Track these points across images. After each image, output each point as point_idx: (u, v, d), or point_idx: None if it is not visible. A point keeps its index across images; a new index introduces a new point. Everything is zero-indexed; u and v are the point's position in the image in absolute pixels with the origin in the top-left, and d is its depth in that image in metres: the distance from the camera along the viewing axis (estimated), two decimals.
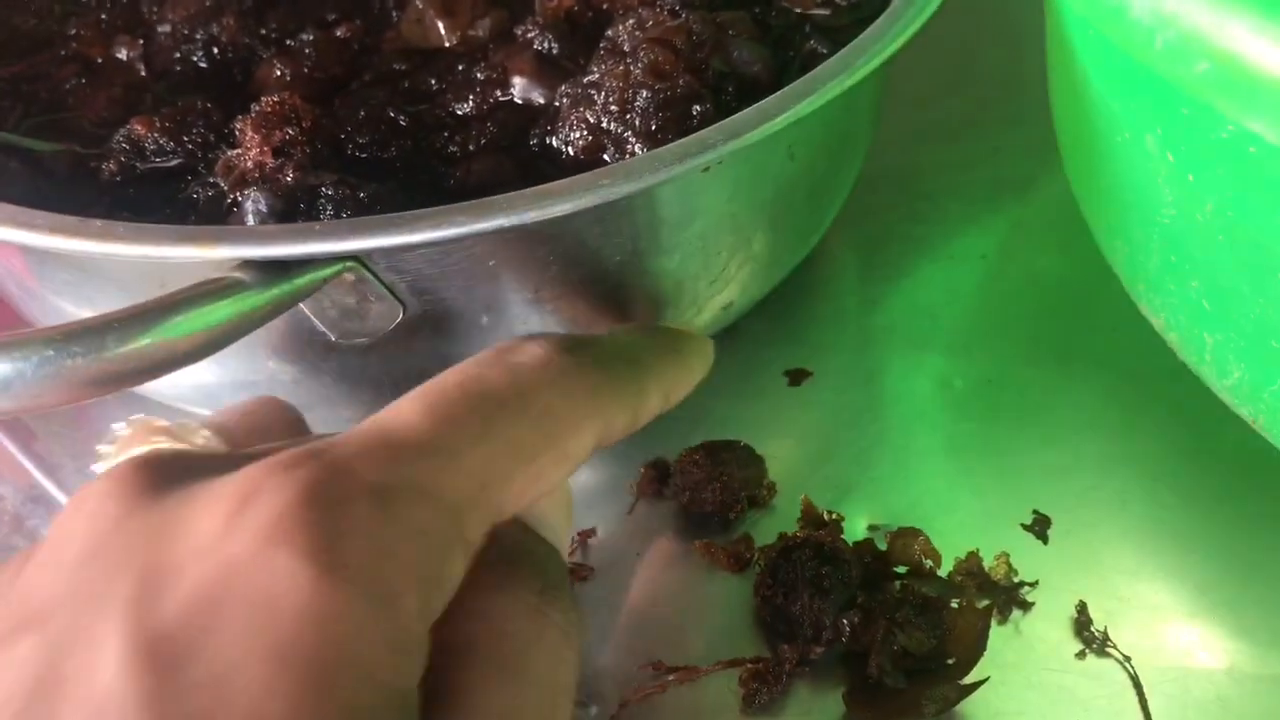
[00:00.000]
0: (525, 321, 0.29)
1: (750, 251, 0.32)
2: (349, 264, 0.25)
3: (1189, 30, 0.20)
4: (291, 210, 0.27)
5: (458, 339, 0.29)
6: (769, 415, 0.34)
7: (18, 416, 0.23)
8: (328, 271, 0.25)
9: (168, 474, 0.19)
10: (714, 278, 0.31)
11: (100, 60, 0.35)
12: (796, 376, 0.35)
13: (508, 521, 0.21)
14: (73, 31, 0.36)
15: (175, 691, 0.16)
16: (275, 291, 0.24)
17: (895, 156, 0.41)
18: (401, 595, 0.17)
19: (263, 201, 0.27)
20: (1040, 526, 0.31)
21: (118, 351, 0.22)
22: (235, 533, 0.17)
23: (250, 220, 0.27)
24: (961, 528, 0.31)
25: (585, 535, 0.31)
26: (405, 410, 0.20)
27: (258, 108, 0.29)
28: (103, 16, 0.37)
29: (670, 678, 0.28)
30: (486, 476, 0.19)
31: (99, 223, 0.25)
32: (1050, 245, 0.39)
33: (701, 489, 0.31)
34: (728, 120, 0.26)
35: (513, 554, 0.21)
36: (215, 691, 0.16)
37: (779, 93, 0.27)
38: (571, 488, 0.24)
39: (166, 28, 0.35)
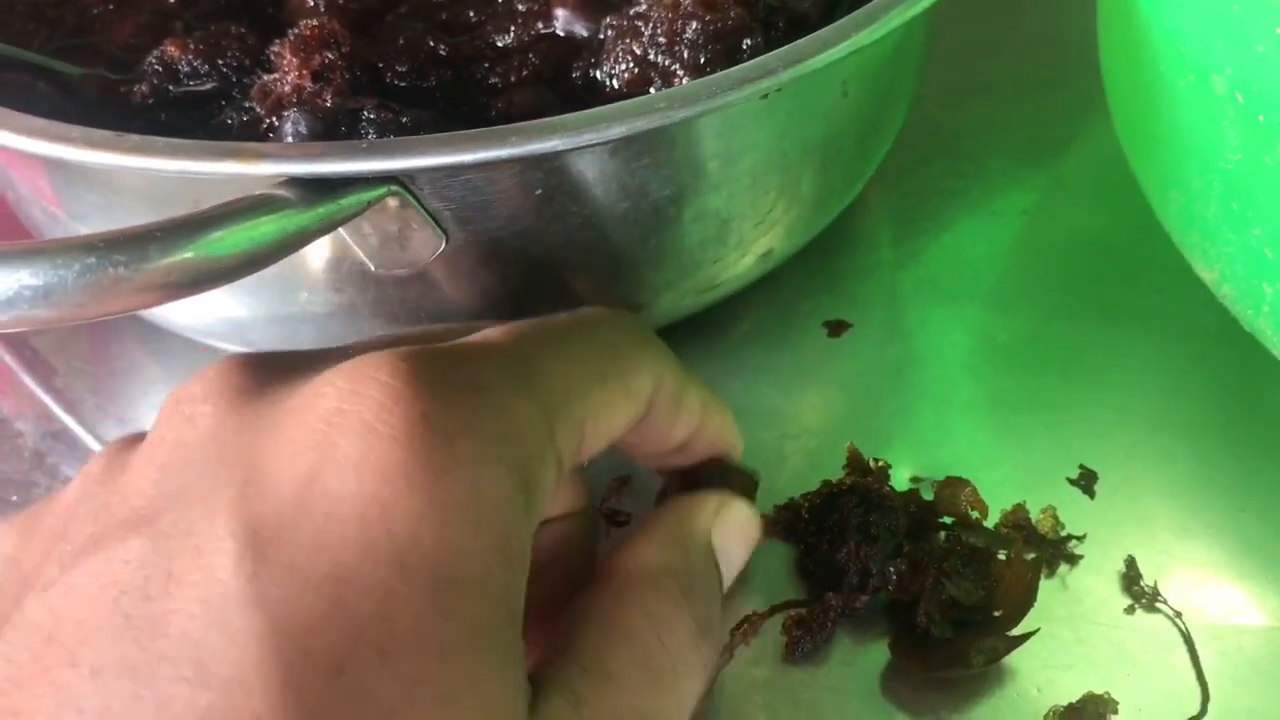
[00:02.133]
0: (569, 257, 0.28)
1: (797, 193, 0.31)
2: (393, 188, 0.24)
3: None
4: (331, 133, 0.27)
5: (499, 273, 0.28)
6: (808, 365, 0.34)
7: (55, 327, 0.22)
8: (372, 194, 0.24)
9: (265, 372, 0.19)
10: (760, 219, 0.30)
11: None
12: (836, 328, 0.35)
13: (702, 543, 0.23)
14: None
15: (290, 592, 0.15)
16: (319, 211, 0.23)
17: (936, 113, 0.40)
18: (509, 500, 0.17)
19: (302, 123, 0.26)
20: (1087, 481, 0.31)
21: (160, 263, 0.21)
22: (340, 427, 0.17)
23: (289, 141, 0.26)
24: (1006, 481, 0.30)
25: (621, 482, 0.31)
26: (486, 331, 0.21)
27: (296, 31, 0.28)
28: None
29: (736, 634, 0.27)
30: (568, 387, 0.20)
31: (134, 137, 0.24)
32: (1092, 203, 0.39)
33: None
34: (789, 47, 0.25)
35: (695, 574, 0.22)
36: (334, 594, 0.15)
37: (839, 22, 0.26)
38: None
39: None
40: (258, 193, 0.23)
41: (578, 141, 0.23)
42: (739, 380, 0.33)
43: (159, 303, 0.21)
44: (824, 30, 0.26)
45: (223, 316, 0.31)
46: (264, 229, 0.22)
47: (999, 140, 0.41)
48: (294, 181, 0.23)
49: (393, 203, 0.25)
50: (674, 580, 0.21)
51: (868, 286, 0.36)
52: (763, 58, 0.25)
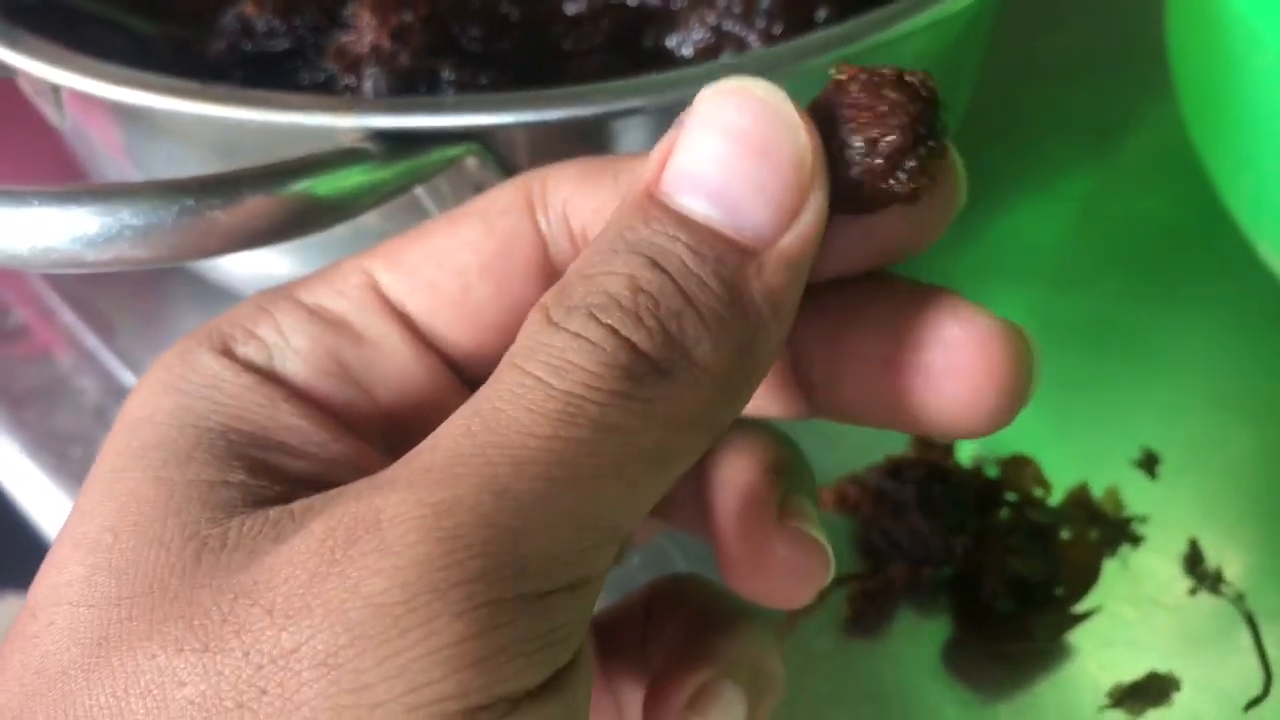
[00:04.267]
0: None
1: None
2: (474, 147, 0.24)
3: None
4: (411, 93, 0.27)
5: None
6: None
7: (152, 267, 0.22)
8: (453, 152, 0.24)
9: None
10: None
11: None
12: None
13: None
14: None
15: None
16: (403, 166, 0.23)
17: (996, 94, 0.40)
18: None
19: (383, 81, 0.26)
20: (1149, 463, 0.31)
21: (254, 204, 0.21)
22: None
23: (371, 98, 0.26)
24: (1069, 461, 0.30)
25: None
26: None
27: None
28: None
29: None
30: None
31: (222, 88, 0.24)
32: (1155, 186, 0.38)
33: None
34: (867, 17, 0.25)
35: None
36: None
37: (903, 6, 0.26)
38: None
39: None
40: (344, 146, 0.23)
41: (660, 101, 0.24)
42: None
43: (250, 247, 0.21)
44: (900, 3, 0.26)
45: (286, 276, 0.31)
46: (351, 179, 0.22)
47: (1060, 121, 0.41)
48: (379, 135, 0.23)
49: (471, 162, 0.25)
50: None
51: (929, 265, 0.36)
52: (842, 26, 0.25)
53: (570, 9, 0.31)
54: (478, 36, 0.30)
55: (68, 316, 0.35)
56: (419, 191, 0.25)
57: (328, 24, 0.30)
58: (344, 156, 0.22)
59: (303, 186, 0.21)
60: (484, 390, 0.14)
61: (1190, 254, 0.36)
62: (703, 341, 0.14)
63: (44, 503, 0.31)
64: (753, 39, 0.29)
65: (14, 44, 0.26)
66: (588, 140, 0.25)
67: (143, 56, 0.30)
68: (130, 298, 0.36)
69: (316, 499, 0.15)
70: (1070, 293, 0.35)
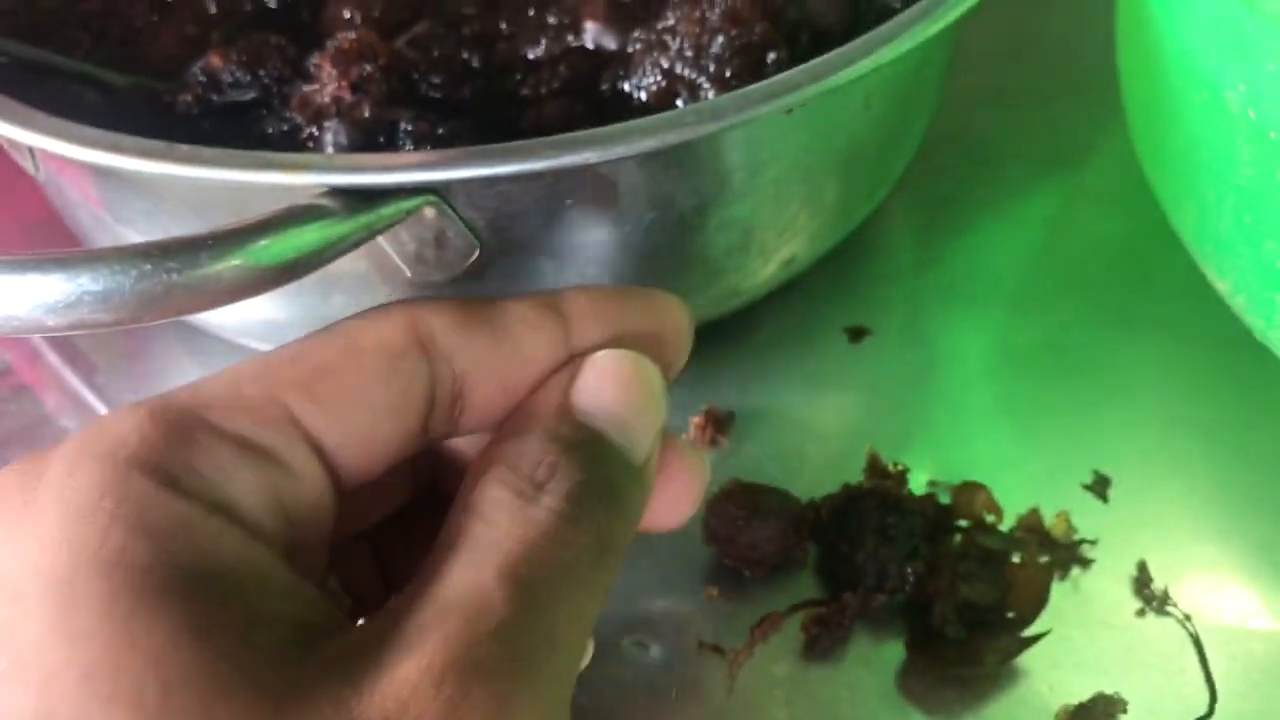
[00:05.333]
0: (596, 264, 0.29)
1: (820, 202, 0.32)
2: (431, 198, 0.25)
3: None
4: (370, 144, 0.28)
5: (528, 280, 0.29)
6: (829, 371, 0.34)
7: (113, 330, 0.23)
8: (411, 204, 0.25)
9: None
10: (783, 228, 0.31)
11: None
12: (856, 334, 0.35)
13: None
14: None
15: None
16: (360, 220, 0.24)
17: (956, 120, 0.41)
18: None
19: (342, 133, 0.27)
20: (1100, 486, 0.31)
21: (211, 269, 0.22)
22: None
23: (330, 151, 0.27)
24: (1022, 485, 0.31)
25: None
26: None
27: (334, 43, 0.29)
28: None
29: (754, 632, 0.28)
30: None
31: (185, 147, 0.25)
32: (1110, 210, 0.39)
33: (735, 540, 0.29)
34: (813, 63, 0.26)
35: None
36: None
37: (863, 38, 0.27)
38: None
39: None
40: (302, 202, 0.24)
41: (609, 155, 0.24)
42: (761, 384, 0.34)
43: (209, 308, 0.22)
44: (848, 46, 0.27)
45: (260, 319, 0.32)
46: (308, 237, 0.23)
47: (1019, 148, 0.42)
48: (336, 191, 0.24)
49: (429, 212, 0.26)
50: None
51: (888, 293, 0.37)
52: (788, 73, 0.26)
53: (530, 54, 0.32)
54: (438, 84, 0.31)
55: (50, 356, 0.36)
56: (381, 240, 0.26)
57: (292, 75, 0.31)
58: (302, 214, 0.23)
59: (260, 247, 0.22)
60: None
61: (1143, 278, 0.37)
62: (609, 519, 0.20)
63: None
64: (704, 82, 0.30)
65: None
66: (538, 190, 0.26)
67: (114, 109, 0.31)
68: (111, 336, 0.37)
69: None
70: (1027, 318, 0.36)
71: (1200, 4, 0.28)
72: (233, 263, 0.22)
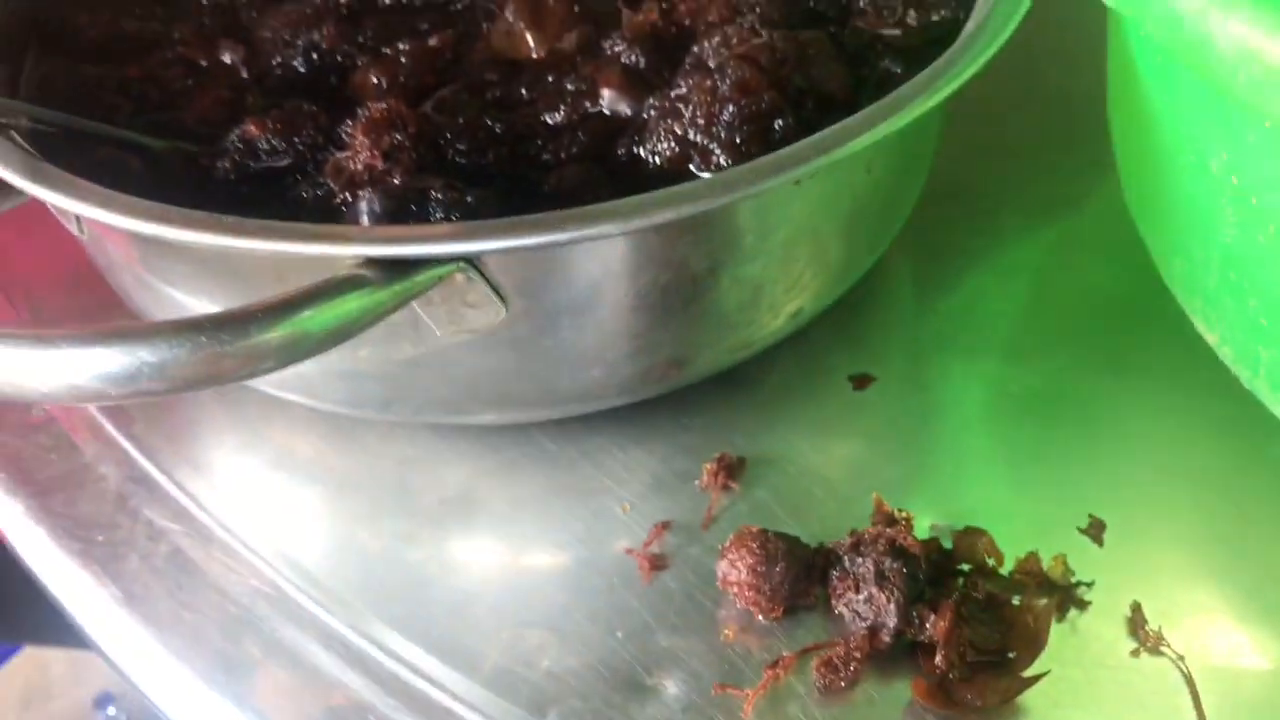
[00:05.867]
0: (613, 320, 0.31)
1: (825, 259, 0.33)
2: (463, 265, 0.27)
3: (1273, 66, 0.22)
4: (402, 211, 0.29)
5: (550, 336, 0.30)
6: (835, 417, 0.36)
7: (167, 397, 0.25)
8: (444, 271, 0.27)
9: None
10: (790, 284, 0.33)
11: (205, 63, 0.37)
12: (861, 381, 0.37)
13: None
14: (176, 35, 0.38)
15: None
16: (396, 288, 0.26)
17: (952, 172, 0.42)
18: None
19: (376, 202, 0.29)
20: (1095, 530, 0.33)
21: (260, 339, 0.23)
22: None
23: (365, 220, 0.29)
24: (1020, 529, 0.32)
25: (662, 527, 0.33)
26: None
27: (366, 114, 0.31)
28: (204, 21, 0.39)
29: (767, 673, 0.29)
30: None
31: (230, 219, 0.26)
32: (1103, 260, 0.41)
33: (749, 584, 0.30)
34: (820, 136, 0.28)
35: None
36: None
37: (866, 111, 0.29)
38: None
39: (268, 33, 0.37)
40: (343, 273, 0.25)
41: (629, 226, 0.26)
42: (770, 431, 0.35)
43: (258, 375, 0.24)
44: (853, 120, 0.28)
45: (294, 372, 0.33)
46: (350, 305, 0.25)
47: (1014, 198, 0.44)
48: (374, 261, 0.26)
49: (460, 277, 0.27)
50: None
51: (889, 341, 0.38)
52: (797, 147, 0.28)
53: (550, 119, 0.34)
54: (464, 150, 0.33)
55: (89, 407, 0.37)
56: (414, 305, 0.28)
57: (325, 142, 0.32)
58: (343, 285, 0.25)
59: (305, 317, 0.24)
60: None
61: (1134, 327, 0.38)
62: None
63: (70, 587, 0.33)
64: (716, 148, 0.32)
65: (38, 177, 0.28)
66: (563, 256, 0.28)
67: (155, 173, 0.33)
68: None
69: None
70: (1022, 365, 0.38)
71: (1185, 77, 0.29)
72: (280, 333, 0.24)
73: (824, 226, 0.32)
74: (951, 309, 0.40)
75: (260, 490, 0.35)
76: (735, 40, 0.33)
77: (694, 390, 0.35)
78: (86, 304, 0.40)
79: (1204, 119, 0.29)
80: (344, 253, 0.25)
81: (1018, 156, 0.45)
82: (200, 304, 0.31)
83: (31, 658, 1.06)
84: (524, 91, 0.35)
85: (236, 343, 0.23)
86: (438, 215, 0.29)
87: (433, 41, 0.36)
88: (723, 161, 0.31)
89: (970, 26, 0.33)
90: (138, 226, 0.26)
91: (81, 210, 0.27)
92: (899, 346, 0.38)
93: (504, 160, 0.33)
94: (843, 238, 0.33)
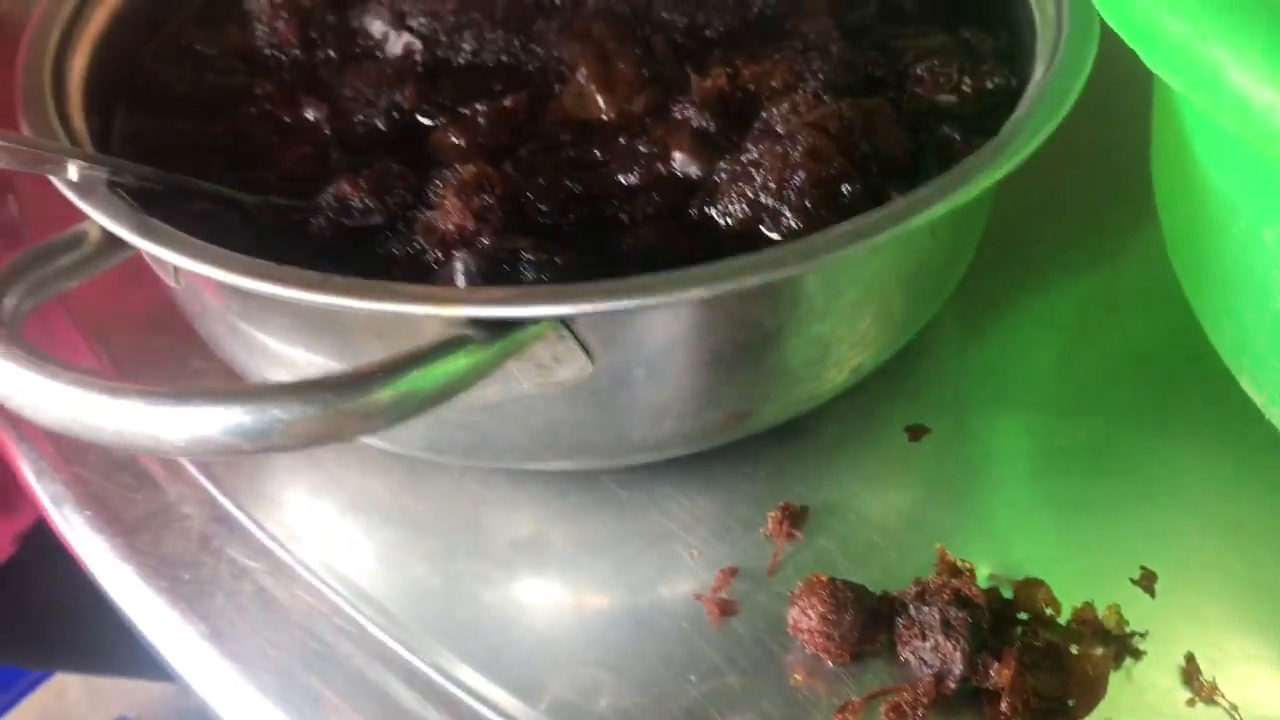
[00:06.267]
0: (688, 374, 0.32)
1: (889, 316, 0.35)
2: (555, 323, 0.28)
3: None
4: (494, 271, 0.31)
5: (627, 390, 0.32)
6: (893, 468, 0.37)
7: (292, 451, 0.26)
8: (541, 329, 0.28)
9: None
10: (855, 341, 0.34)
11: (289, 120, 0.38)
12: (916, 432, 0.38)
13: None
14: (259, 91, 0.39)
15: None
16: (497, 346, 0.27)
17: (999, 226, 0.44)
18: None
19: (471, 263, 0.30)
20: (1147, 581, 0.34)
21: (377, 398, 0.25)
22: None
23: (460, 279, 0.30)
24: (1074, 580, 0.34)
25: (729, 573, 0.34)
26: None
27: (457, 177, 0.33)
28: (284, 77, 0.40)
29: (836, 717, 0.30)
30: None
31: (341, 279, 0.28)
32: (1147, 315, 0.42)
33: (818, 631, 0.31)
34: (895, 207, 0.29)
35: None
36: None
37: (939, 182, 0.30)
38: None
39: (350, 92, 0.39)
40: (451, 333, 0.27)
41: (717, 290, 0.27)
42: (830, 481, 0.37)
43: (376, 431, 0.25)
44: (925, 191, 0.30)
45: None
46: (458, 364, 0.26)
47: (1057, 252, 0.45)
48: (478, 321, 0.27)
49: (553, 334, 0.29)
50: None
51: (942, 393, 0.40)
52: (871, 218, 0.29)
53: (625, 180, 0.36)
54: (546, 210, 0.34)
55: None
56: (509, 361, 0.29)
57: (414, 201, 0.34)
58: (450, 344, 0.26)
59: (417, 376, 0.25)
60: None
61: (1180, 381, 0.40)
62: None
63: (159, 624, 0.34)
64: (786, 211, 0.33)
65: (142, 230, 0.30)
66: (648, 316, 0.29)
67: (250, 226, 0.34)
68: None
69: None
70: (1070, 419, 0.39)
71: (1241, 153, 0.31)
72: (393, 392, 0.25)
73: (889, 286, 0.34)
74: (1000, 362, 0.41)
75: (338, 530, 0.36)
76: (803, 108, 0.35)
77: (755, 439, 0.37)
78: (159, 345, 0.42)
79: (1257, 191, 0.31)
80: (454, 313, 0.27)
81: (1060, 210, 0.47)
82: (295, 353, 0.32)
83: (48, 683, 1.06)
84: (597, 152, 0.37)
85: (357, 401, 0.24)
86: (528, 276, 0.31)
87: (508, 102, 0.38)
88: (793, 224, 0.33)
89: (1030, 95, 0.34)
90: (254, 285, 0.28)
91: (201, 270, 0.29)
92: (950, 398, 0.40)
93: (583, 219, 0.34)
94: (905, 295, 0.35)
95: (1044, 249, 0.45)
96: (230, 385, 0.24)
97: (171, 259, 0.29)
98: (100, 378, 0.24)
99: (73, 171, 0.30)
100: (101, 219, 0.29)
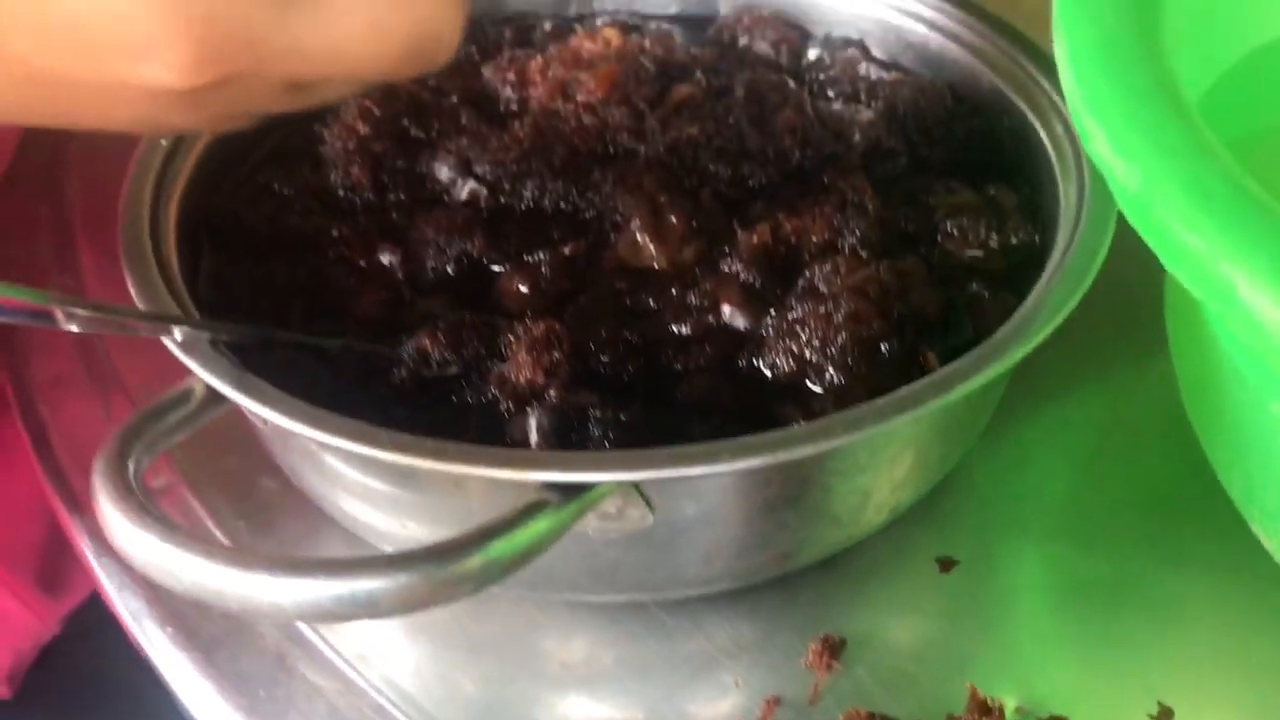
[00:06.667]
0: (739, 525, 0.35)
1: (926, 462, 0.37)
2: (625, 484, 0.31)
3: None
4: (565, 427, 0.33)
5: (683, 536, 0.34)
6: (924, 598, 0.40)
7: (393, 617, 0.28)
8: (609, 489, 0.31)
9: None
10: (895, 486, 0.37)
11: (365, 264, 0.41)
12: (946, 564, 0.41)
13: None
14: (336, 234, 0.42)
15: None
16: (573, 507, 0.30)
17: (1021, 363, 0.47)
18: None
19: (544, 420, 0.33)
20: (1164, 717, 0.36)
21: (471, 565, 0.27)
22: None
23: (533, 435, 0.33)
24: (1094, 713, 0.36)
25: (773, 703, 0.37)
26: None
27: (528, 335, 0.36)
28: (359, 219, 0.43)
29: None
30: None
31: (431, 442, 0.31)
32: (1163, 448, 0.45)
33: None
34: (939, 377, 0.32)
35: None
36: None
37: (978, 353, 0.33)
38: None
39: (421, 238, 0.41)
40: (531, 498, 0.29)
41: (779, 459, 0.30)
42: (865, 611, 0.39)
43: (466, 596, 0.28)
44: (965, 363, 0.33)
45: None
46: (540, 528, 0.29)
47: (1075, 384, 0.48)
48: (555, 486, 0.30)
49: (620, 492, 0.31)
50: None
51: (968, 524, 0.42)
52: (915, 389, 0.32)
53: (679, 330, 0.38)
54: (608, 361, 0.37)
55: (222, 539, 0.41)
56: None
57: (488, 353, 0.37)
58: (531, 509, 0.29)
59: (507, 541, 0.28)
60: None
61: (1194, 517, 0.42)
62: None
63: None
64: (830, 368, 0.36)
65: (245, 389, 0.33)
66: (710, 479, 0.32)
67: (332, 374, 0.37)
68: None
69: None
70: (1089, 550, 0.41)
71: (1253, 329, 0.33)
72: (487, 558, 0.28)
73: (927, 440, 0.36)
74: (1022, 493, 0.43)
75: (405, 652, 0.39)
76: (844, 269, 0.38)
77: (795, 572, 0.39)
78: (231, 466, 0.44)
79: (1266, 373, 0.33)
80: (535, 479, 0.30)
81: (1074, 340, 0.49)
82: (375, 492, 0.35)
83: None
84: (651, 301, 0.39)
85: (451, 570, 0.27)
86: (595, 432, 0.33)
87: (567, 250, 0.41)
88: (836, 379, 0.36)
89: (1057, 260, 0.37)
90: (352, 447, 0.31)
91: (303, 430, 0.31)
92: (977, 529, 0.42)
93: (641, 369, 0.37)
94: (941, 444, 0.38)
95: (1059, 380, 0.47)
96: (340, 559, 0.27)
97: (274, 418, 0.32)
98: (229, 551, 0.26)
99: (178, 334, 0.33)
100: (208, 378, 0.32)
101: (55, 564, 0.63)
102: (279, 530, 0.42)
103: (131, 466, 0.29)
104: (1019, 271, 0.40)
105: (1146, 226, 0.30)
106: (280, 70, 0.28)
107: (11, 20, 0.26)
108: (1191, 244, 0.28)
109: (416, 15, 0.29)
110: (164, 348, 0.34)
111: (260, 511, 0.42)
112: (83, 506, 0.44)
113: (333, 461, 0.35)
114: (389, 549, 0.39)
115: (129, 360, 0.49)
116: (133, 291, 0.35)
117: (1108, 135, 0.31)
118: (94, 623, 0.59)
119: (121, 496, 0.28)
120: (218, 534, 0.42)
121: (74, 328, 0.30)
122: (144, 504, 0.28)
